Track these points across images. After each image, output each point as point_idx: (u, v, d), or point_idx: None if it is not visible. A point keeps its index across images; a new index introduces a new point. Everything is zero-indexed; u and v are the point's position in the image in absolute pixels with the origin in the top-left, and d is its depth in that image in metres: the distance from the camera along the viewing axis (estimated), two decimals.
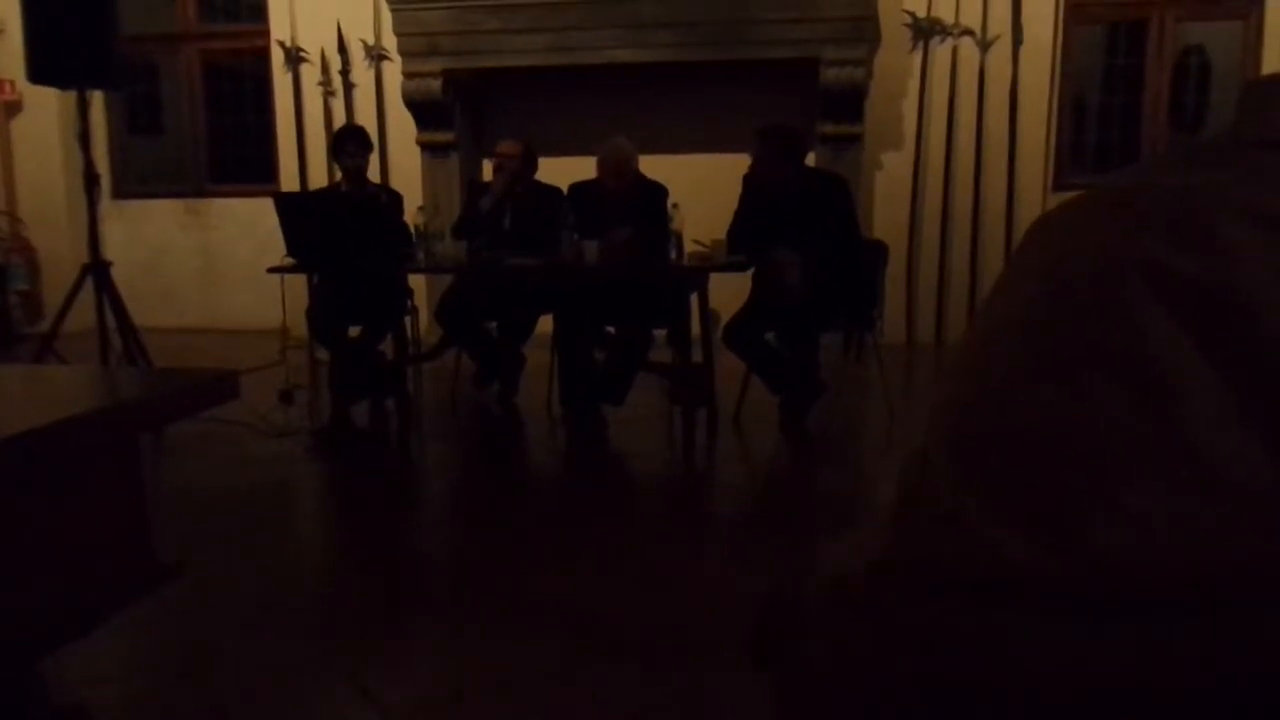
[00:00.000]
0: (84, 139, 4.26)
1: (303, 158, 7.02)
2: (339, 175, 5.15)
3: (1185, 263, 0.34)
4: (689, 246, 4.24)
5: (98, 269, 4.25)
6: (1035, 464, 0.36)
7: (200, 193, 7.51)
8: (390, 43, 6.65)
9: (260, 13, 7.10)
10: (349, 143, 4.72)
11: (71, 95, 4.34)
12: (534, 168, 4.85)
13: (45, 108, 7.13)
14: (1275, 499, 0.33)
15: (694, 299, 4.29)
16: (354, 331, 4.75)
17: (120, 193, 7.53)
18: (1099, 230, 0.37)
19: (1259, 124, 0.38)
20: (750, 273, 4.35)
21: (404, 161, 6.80)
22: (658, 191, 4.44)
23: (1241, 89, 0.40)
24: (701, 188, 5.33)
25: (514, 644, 2.32)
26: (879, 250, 4.61)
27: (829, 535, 0.56)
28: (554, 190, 4.70)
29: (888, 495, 0.43)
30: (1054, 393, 0.36)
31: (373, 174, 4.97)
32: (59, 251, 7.20)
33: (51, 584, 1.20)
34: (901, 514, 0.41)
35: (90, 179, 4.26)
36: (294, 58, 6.94)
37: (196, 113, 7.50)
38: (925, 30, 6.25)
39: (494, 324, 4.91)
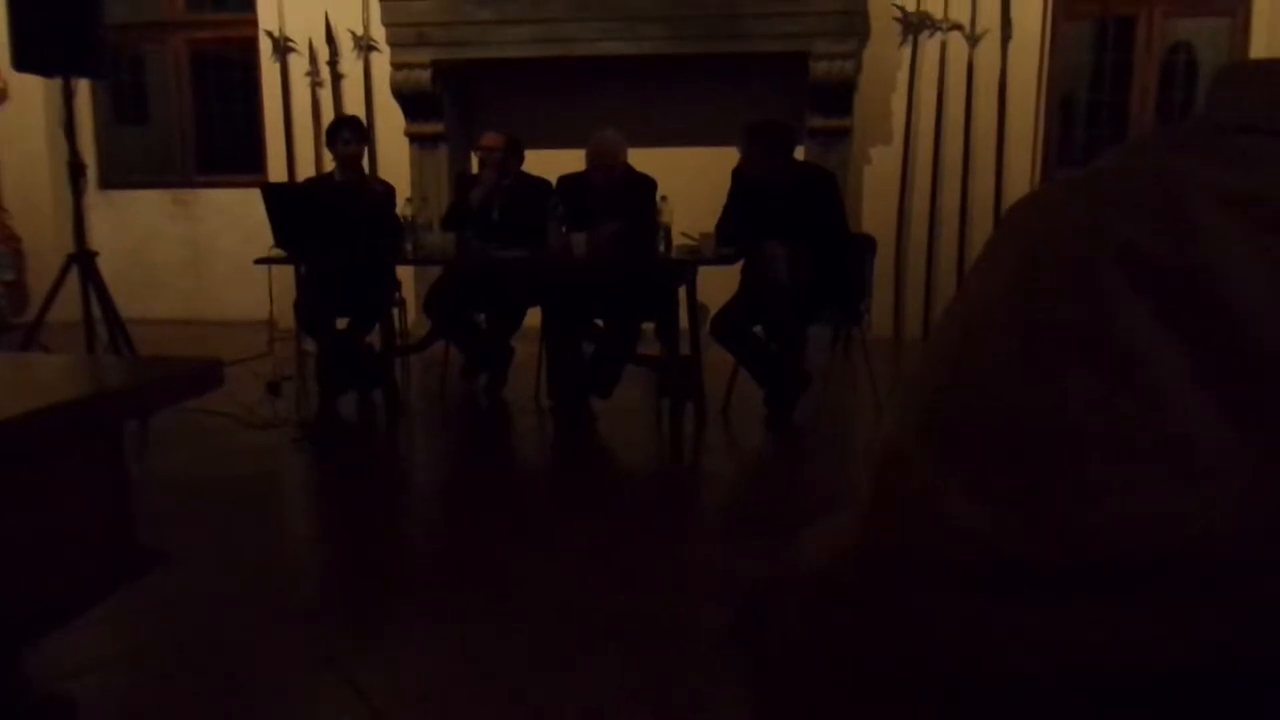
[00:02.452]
0: (69, 128, 4.23)
1: (290, 148, 6.99)
2: (328, 166, 5.13)
3: (1158, 244, 0.34)
4: (677, 239, 4.24)
5: (83, 259, 4.22)
6: (1011, 444, 0.36)
7: (187, 183, 7.47)
8: (379, 33, 6.62)
9: (248, 2, 7.06)
10: (344, 130, 4.70)
11: (57, 84, 4.31)
12: (520, 159, 4.83)
13: (30, 96, 7.09)
14: (1246, 476, 0.33)
15: (682, 292, 4.29)
16: (342, 323, 4.74)
17: (106, 182, 7.49)
18: (1074, 213, 0.37)
19: (1232, 108, 0.38)
20: (739, 266, 4.35)
21: (393, 153, 6.78)
22: (647, 184, 4.43)
23: (1215, 75, 0.40)
24: (691, 181, 5.33)
25: (500, 634, 2.33)
26: (867, 244, 4.62)
27: (815, 521, 0.56)
28: (543, 182, 4.69)
29: (865, 479, 0.43)
30: (1029, 373, 0.36)
31: (363, 164, 4.95)
32: (44, 241, 7.15)
33: (34, 572, 1.19)
34: (875, 498, 0.41)
35: (76, 168, 4.23)
36: (282, 48, 6.90)
37: (183, 102, 7.46)
38: (914, 24, 6.25)
39: (482, 316, 4.90)
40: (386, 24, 6.43)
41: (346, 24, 6.82)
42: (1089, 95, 6.61)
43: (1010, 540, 0.36)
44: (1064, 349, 0.35)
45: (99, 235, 6.63)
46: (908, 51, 6.31)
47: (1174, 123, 0.39)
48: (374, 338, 4.82)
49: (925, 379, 0.41)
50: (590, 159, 4.45)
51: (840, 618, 0.45)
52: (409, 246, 4.49)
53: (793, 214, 4.15)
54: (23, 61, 4.05)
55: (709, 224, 4.36)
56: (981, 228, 6.30)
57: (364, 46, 6.81)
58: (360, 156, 4.79)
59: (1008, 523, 0.36)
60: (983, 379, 0.37)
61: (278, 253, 4.40)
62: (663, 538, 3.06)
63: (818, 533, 0.52)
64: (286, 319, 4.90)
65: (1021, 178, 6.29)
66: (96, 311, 4.25)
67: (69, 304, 4.25)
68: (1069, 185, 0.39)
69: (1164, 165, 0.36)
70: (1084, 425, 0.34)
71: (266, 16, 6.91)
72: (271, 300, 4.76)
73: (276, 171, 7.00)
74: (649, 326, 4.53)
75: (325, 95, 6.93)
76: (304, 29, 6.87)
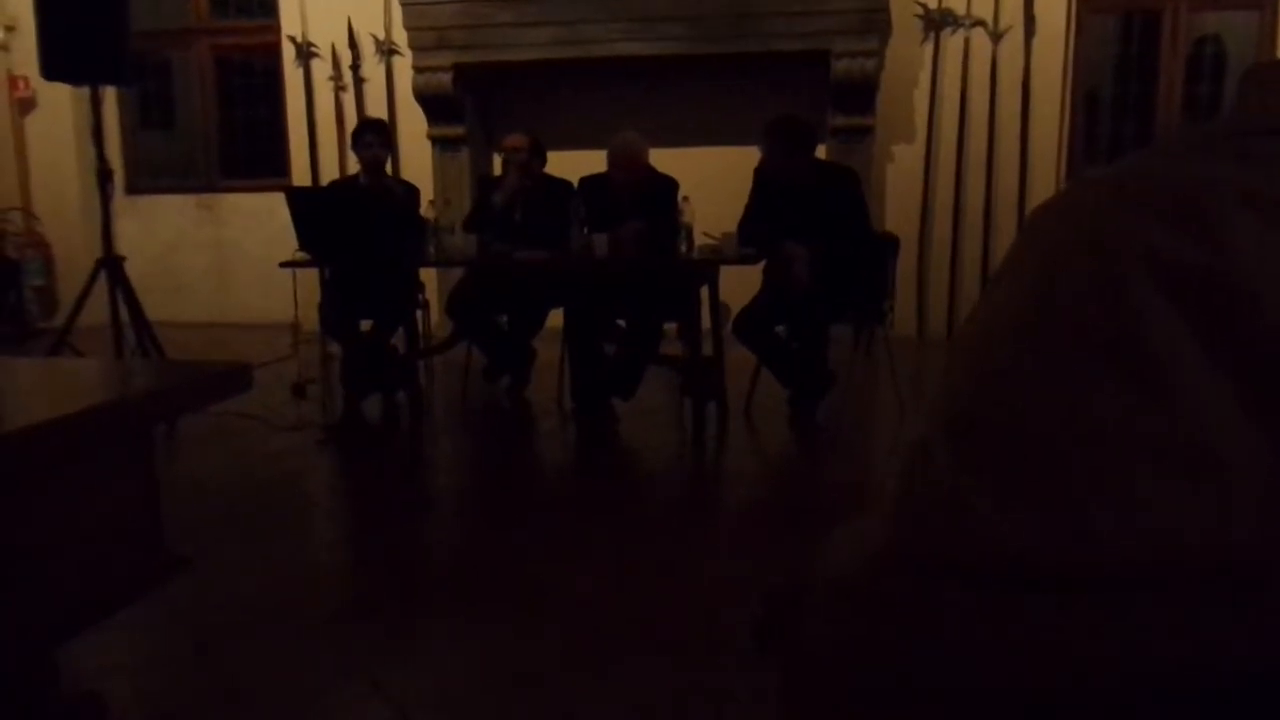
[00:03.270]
0: (97, 135, 4.28)
1: (314, 152, 7.04)
2: (351, 168, 5.17)
3: (1184, 250, 0.34)
4: (699, 239, 4.24)
5: (111, 264, 4.27)
6: (1036, 450, 0.36)
7: (212, 187, 7.55)
8: (401, 37, 6.66)
9: (271, 8, 7.12)
10: (367, 133, 4.73)
11: (84, 91, 4.36)
12: (543, 160, 4.85)
13: (59, 104, 7.18)
14: (1272, 481, 0.33)
15: (704, 292, 4.29)
16: (365, 325, 4.77)
17: (133, 188, 7.57)
18: (1099, 218, 0.37)
19: (1258, 110, 0.38)
20: (761, 265, 4.35)
21: (415, 156, 6.81)
22: (668, 185, 4.43)
23: (1241, 76, 0.40)
24: (712, 181, 5.32)
25: (524, 637, 2.33)
26: (890, 243, 4.60)
27: (837, 527, 0.56)
28: (564, 184, 4.70)
29: (890, 484, 0.43)
30: (1054, 379, 0.36)
31: (386, 167, 4.98)
32: (73, 246, 7.25)
33: (64, 574, 1.21)
34: (902, 501, 0.41)
35: (103, 174, 4.28)
36: (305, 53, 6.96)
37: (208, 108, 7.53)
38: (937, 21, 6.22)
39: (504, 318, 4.92)
40: (408, 28, 6.47)
41: (368, 28, 6.87)
42: (1114, 90, 6.55)
43: (1034, 544, 0.36)
44: (1089, 354, 0.35)
45: (126, 240, 6.70)
46: (930, 49, 6.27)
47: (1199, 124, 0.38)
48: (397, 340, 4.85)
49: (953, 381, 0.41)
50: (612, 160, 4.46)
51: (864, 621, 0.45)
52: (431, 249, 4.52)
53: (815, 213, 4.14)
54: (52, 70, 4.10)
55: (731, 224, 4.36)
56: (1006, 225, 6.26)
57: (386, 50, 6.86)
58: (384, 159, 4.83)
59: (1032, 527, 0.36)
60: (1009, 384, 0.37)
61: (302, 256, 4.43)
62: (686, 539, 3.06)
63: (841, 536, 0.52)
64: (311, 322, 4.93)
65: (1046, 174, 6.24)
66: (124, 315, 4.30)
67: (97, 308, 4.31)
68: (1092, 188, 0.39)
69: (1189, 169, 0.36)
70: (1109, 431, 0.34)
71: (289, 22, 6.97)
72: (296, 303, 4.79)
73: (300, 175, 7.06)
74: (671, 327, 4.53)
75: (348, 99, 6.98)
76: (326, 34, 6.92)
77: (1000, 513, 0.36)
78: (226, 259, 7.46)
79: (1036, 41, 6.16)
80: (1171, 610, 0.35)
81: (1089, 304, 0.36)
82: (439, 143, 6.78)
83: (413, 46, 6.50)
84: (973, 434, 0.38)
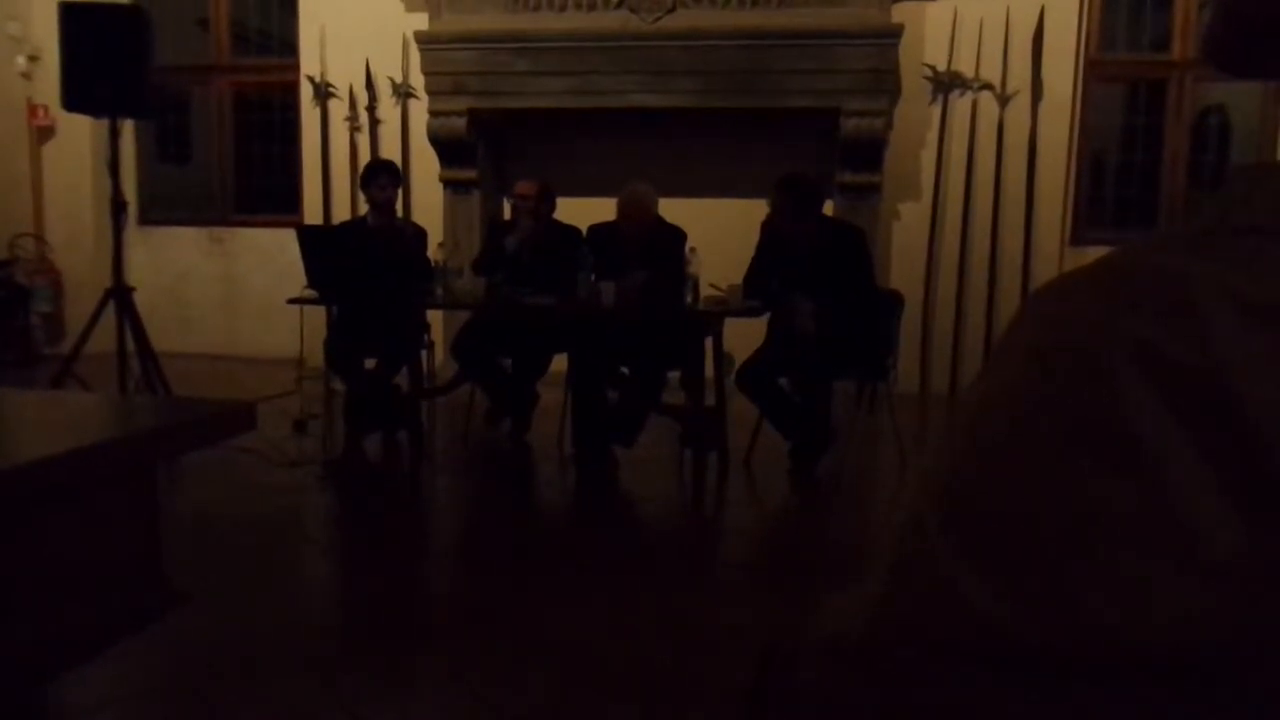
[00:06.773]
0: (113, 166, 4.33)
1: (327, 191, 7.10)
2: (363, 209, 5.22)
3: (1171, 344, 0.35)
4: (705, 290, 4.27)
5: (120, 293, 4.30)
6: (1028, 537, 0.36)
7: (225, 222, 7.60)
8: (417, 81, 6.75)
9: (291, 48, 7.23)
10: (380, 175, 4.77)
11: (103, 122, 4.43)
12: (552, 206, 4.89)
13: (77, 134, 7.26)
14: (1260, 577, 0.34)
15: (709, 343, 4.30)
16: (370, 364, 4.78)
17: (146, 219, 7.63)
18: (1090, 307, 0.38)
19: (1246, 209, 0.39)
20: (765, 318, 4.37)
21: (427, 197, 6.87)
22: (676, 235, 4.47)
23: (1232, 173, 0.41)
24: (720, 232, 5.36)
25: (515, 682, 2.32)
26: (894, 300, 4.62)
27: (835, 585, 0.57)
28: (573, 230, 4.74)
29: (886, 553, 0.44)
30: (1046, 467, 0.37)
31: (396, 208, 5.03)
32: (83, 275, 7.29)
33: (63, 608, 1.21)
34: (895, 578, 0.41)
35: (118, 205, 4.33)
36: (323, 93, 7.05)
37: (225, 143, 7.61)
38: (945, 84, 6.30)
39: (509, 361, 4.94)
40: (425, 72, 6.56)
41: (386, 71, 6.97)
42: (1120, 156, 6.62)
43: (1025, 630, 0.37)
44: (1077, 445, 0.36)
45: (136, 270, 6.73)
46: (938, 110, 6.35)
47: (1191, 219, 0.39)
48: (401, 379, 4.86)
49: (946, 462, 0.42)
50: (621, 210, 4.50)
51: (855, 694, 0.45)
52: (439, 290, 4.55)
53: (821, 268, 4.17)
54: (72, 102, 4.16)
55: (737, 275, 4.38)
56: (1010, 286, 6.29)
57: (402, 93, 6.95)
58: (394, 201, 4.87)
59: (1022, 613, 0.36)
60: (999, 469, 0.38)
61: (310, 293, 4.46)
62: (681, 591, 3.05)
63: (834, 602, 0.52)
64: (316, 358, 4.95)
65: (1051, 237, 6.28)
66: (131, 345, 4.32)
67: (104, 337, 4.33)
68: (1086, 278, 0.40)
69: (1179, 264, 0.37)
70: (1097, 521, 0.35)
71: (309, 62, 7.07)
72: (302, 339, 4.81)
73: (312, 213, 7.11)
74: (674, 376, 4.54)
75: (363, 140, 7.06)
76: (345, 75, 7.02)
77: (995, 599, 0.37)
78: (235, 292, 7.50)
79: (1043, 106, 6.23)
80: (1164, 700, 0.36)
81: (1077, 393, 0.37)
82: (451, 185, 6.84)
83: (429, 91, 6.58)
84: (967, 518, 0.39)
